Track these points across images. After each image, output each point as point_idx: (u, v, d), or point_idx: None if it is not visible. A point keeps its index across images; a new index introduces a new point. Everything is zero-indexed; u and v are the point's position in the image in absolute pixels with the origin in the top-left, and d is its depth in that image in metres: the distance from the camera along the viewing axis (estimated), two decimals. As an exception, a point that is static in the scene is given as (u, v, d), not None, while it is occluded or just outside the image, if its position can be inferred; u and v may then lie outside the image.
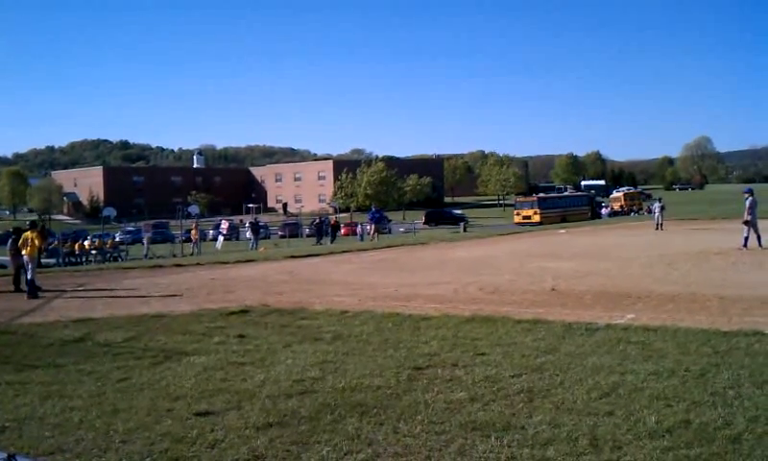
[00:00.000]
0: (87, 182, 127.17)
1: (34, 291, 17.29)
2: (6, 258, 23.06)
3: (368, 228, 48.00)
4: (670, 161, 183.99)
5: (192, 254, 38.57)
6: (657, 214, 38.13)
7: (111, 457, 5.45)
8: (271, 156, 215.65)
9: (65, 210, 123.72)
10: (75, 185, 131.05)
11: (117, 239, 53.49)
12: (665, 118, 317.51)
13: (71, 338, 10.91)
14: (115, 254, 43.12)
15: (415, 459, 5.18)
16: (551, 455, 5.13)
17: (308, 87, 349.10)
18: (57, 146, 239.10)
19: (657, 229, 36.52)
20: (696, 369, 7.33)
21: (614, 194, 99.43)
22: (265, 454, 5.38)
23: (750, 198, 22.50)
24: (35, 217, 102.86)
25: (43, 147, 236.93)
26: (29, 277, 17.58)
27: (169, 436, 5.86)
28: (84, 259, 39.57)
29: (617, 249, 25.52)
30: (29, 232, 18.26)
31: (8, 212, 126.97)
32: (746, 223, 22.30)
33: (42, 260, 29.69)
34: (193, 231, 43.93)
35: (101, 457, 5.46)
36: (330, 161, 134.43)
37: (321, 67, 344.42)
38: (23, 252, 17.88)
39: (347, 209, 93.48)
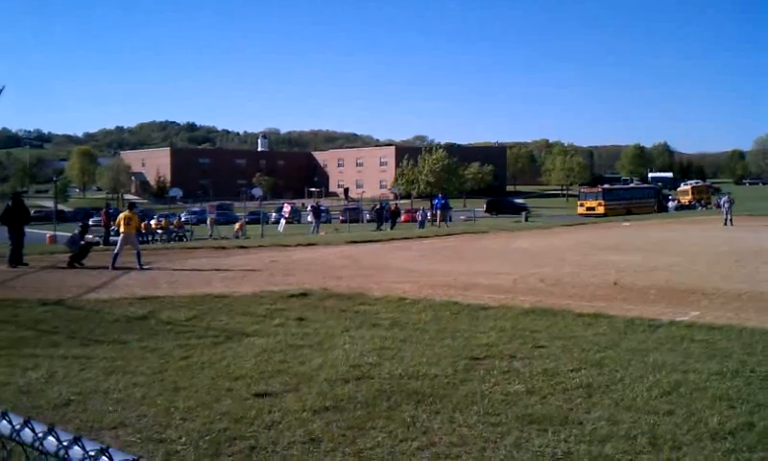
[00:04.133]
0: (155, 163, 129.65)
1: (140, 262, 18.62)
2: (67, 234, 24.03)
3: (428, 215, 48.03)
4: (741, 155, 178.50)
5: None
6: (725, 209, 37.11)
7: (172, 434, 5.57)
8: (333, 141, 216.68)
9: (133, 190, 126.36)
10: (143, 165, 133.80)
11: (183, 219, 54.43)
12: (736, 111, 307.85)
13: (136, 315, 11.19)
14: (180, 234, 43.82)
15: (470, 450, 5.17)
16: (609, 452, 5.06)
17: (372, 74, 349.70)
18: (126, 126, 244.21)
19: (725, 224, 35.53)
20: (762, 370, 7.12)
21: (682, 187, 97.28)
22: (321, 437, 5.44)
23: None
24: (103, 195, 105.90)
25: (113, 127, 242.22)
26: (133, 252, 19.00)
27: (228, 415, 5.97)
28: (150, 238, 40.33)
29: (684, 243, 24.92)
30: (128, 212, 19.99)
31: (78, 191, 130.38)
32: None
33: (110, 238, 30.56)
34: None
35: (161, 434, 5.59)
36: (392, 147, 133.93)
37: (384, 54, 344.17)
38: (121, 230, 19.35)
39: (407, 196, 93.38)
